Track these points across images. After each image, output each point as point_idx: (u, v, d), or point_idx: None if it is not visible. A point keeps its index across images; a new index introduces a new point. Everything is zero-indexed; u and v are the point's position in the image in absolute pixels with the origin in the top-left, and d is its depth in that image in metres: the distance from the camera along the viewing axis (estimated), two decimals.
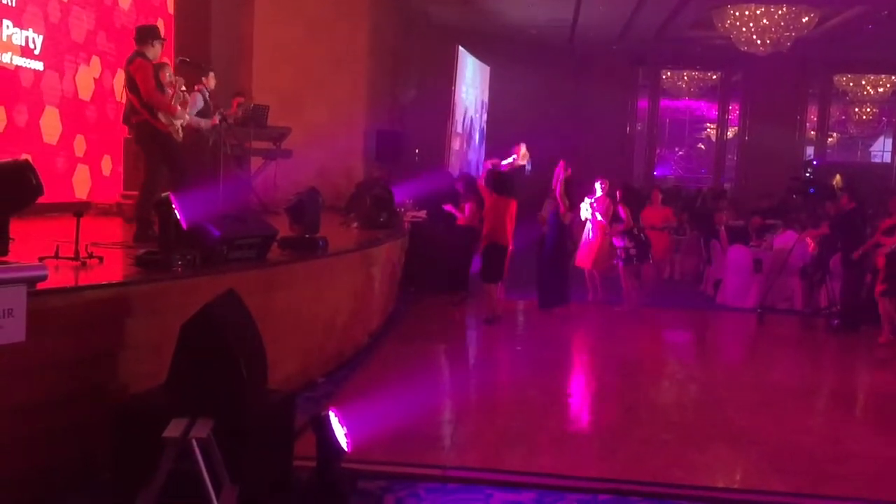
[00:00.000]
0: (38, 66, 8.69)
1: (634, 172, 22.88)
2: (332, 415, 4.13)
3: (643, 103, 23.14)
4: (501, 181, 9.21)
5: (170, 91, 7.01)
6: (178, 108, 6.98)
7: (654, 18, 17.80)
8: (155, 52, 6.97)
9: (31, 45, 8.50)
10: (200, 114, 9.02)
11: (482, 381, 6.96)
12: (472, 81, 18.26)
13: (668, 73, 23.05)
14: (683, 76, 23.09)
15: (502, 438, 5.32)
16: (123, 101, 7.27)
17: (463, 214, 10.16)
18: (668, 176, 25.85)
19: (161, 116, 6.77)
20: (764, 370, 7.84)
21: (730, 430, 5.69)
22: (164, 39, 7.20)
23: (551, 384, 7.07)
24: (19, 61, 8.31)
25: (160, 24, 11.19)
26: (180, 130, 7.02)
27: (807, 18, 15.64)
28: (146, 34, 7.02)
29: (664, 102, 23.93)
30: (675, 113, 25.73)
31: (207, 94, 9.22)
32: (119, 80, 9.55)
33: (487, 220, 9.15)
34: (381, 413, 5.14)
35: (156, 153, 6.90)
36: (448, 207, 10.49)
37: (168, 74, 7.22)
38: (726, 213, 13.74)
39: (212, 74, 9.26)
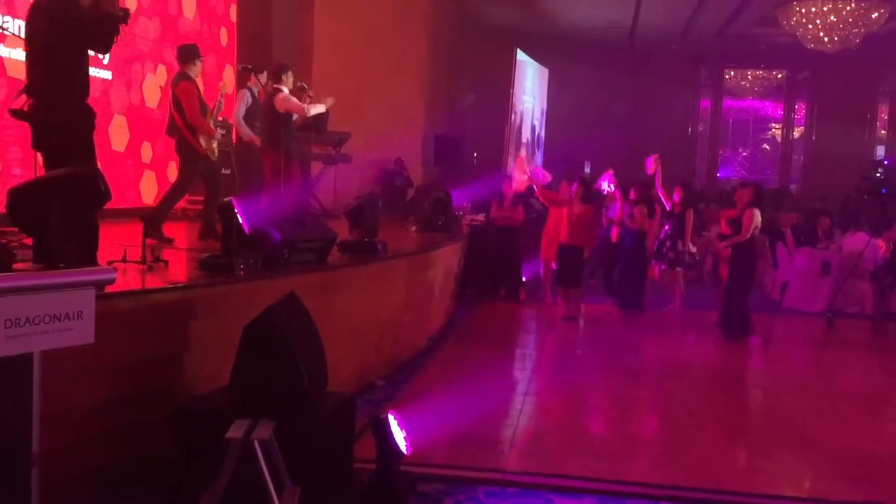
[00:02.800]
0: (107, 75, 8.94)
1: (697, 173, 22.49)
2: (391, 417, 4.15)
3: (705, 103, 22.72)
4: (589, 191, 9.55)
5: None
6: (216, 132, 7.37)
7: (715, 17, 17.47)
8: (196, 70, 7.32)
9: (100, 56, 8.73)
10: (249, 113, 9.02)
11: (542, 384, 6.90)
12: (531, 89, 18.17)
13: (732, 73, 22.59)
14: (747, 75, 22.60)
15: (562, 443, 5.27)
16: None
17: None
18: (732, 177, 25.32)
19: (202, 140, 7.07)
20: (832, 376, 7.62)
21: (796, 437, 5.53)
22: (202, 57, 7.55)
23: (612, 388, 6.99)
24: (90, 72, 8.54)
25: (223, 32, 11.46)
26: (216, 150, 7.33)
27: (876, 14, 15.15)
28: (188, 54, 7.32)
29: (727, 102, 23.46)
30: (738, 113, 25.18)
31: (256, 91, 9.21)
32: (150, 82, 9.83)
33: (571, 226, 9.40)
34: (440, 416, 5.14)
35: (191, 170, 7.24)
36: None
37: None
38: (792, 214, 13.38)
39: (289, 73, 9.26)
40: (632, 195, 10.03)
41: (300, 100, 8.59)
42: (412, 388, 6.37)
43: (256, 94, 9.03)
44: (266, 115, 8.25)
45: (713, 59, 21.83)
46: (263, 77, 9.38)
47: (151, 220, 6.69)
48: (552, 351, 8.42)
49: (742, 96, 23.58)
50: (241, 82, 9.05)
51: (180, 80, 7.17)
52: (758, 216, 8.72)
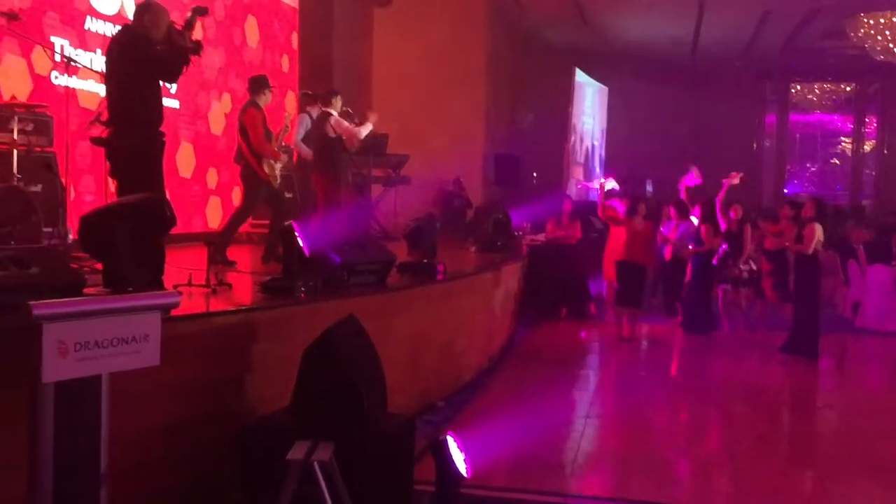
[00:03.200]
0: (175, 104, 9.21)
1: (764, 190, 22.02)
2: (450, 439, 4.13)
3: (771, 118, 22.26)
4: (647, 208, 9.38)
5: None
6: (281, 155, 7.49)
7: (780, 31, 17.15)
8: (265, 99, 7.52)
9: (167, 85, 9.02)
10: (307, 136, 9.15)
11: (604, 406, 6.81)
12: (590, 109, 18.10)
13: (798, 87, 22.11)
14: (814, 89, 22.09)
15: (625, 465, 5.18)
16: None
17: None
18: (801, 193, 24.71)
19: (265, 166, 7.22)
20: None
21: (870, 460, 5.33)
22: (272, 87, 7.75)
23: (676, 410, 6.86)
24: None
25: (285, 59, 11.71)
26: (278, 177, 7.46)
27: None
28: (258, 84, 7.55)
29: (794, 116, 22.94)
30: (805, 127, 24.58)
31: (315, 115, 9.32)
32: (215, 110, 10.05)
33: (631, 243, 9.26)
34: (501, 437, 5.11)
35: (254, 195, 7.42)
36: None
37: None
38: (865, 230, 12.96)
39: (338, 97, 9.40)
40: (697, 213, 9.82)
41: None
42: (472, 409, 6.35)
43: (315, 118, 9.15)
44: (318, 139, 8.32)
45: (778, 73, 21.41)
46: (338, 102, 9.49)
47: (216, 244, 6.86)
48: (614, 372, 8.31)
49: (809, 110, 23.03)
50: (303, 108, 9.21)
51: (248, 108, 7.41)
52: (819, 231, 8.47)
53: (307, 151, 8.93)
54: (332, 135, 8.13)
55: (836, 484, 4.90)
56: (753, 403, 6.96)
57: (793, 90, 22.10)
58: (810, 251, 8.42)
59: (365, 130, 8.38)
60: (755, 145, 21.79)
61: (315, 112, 9.03)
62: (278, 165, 7.42)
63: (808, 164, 25.42)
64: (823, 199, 10.05)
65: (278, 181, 7.46)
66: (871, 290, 10.99)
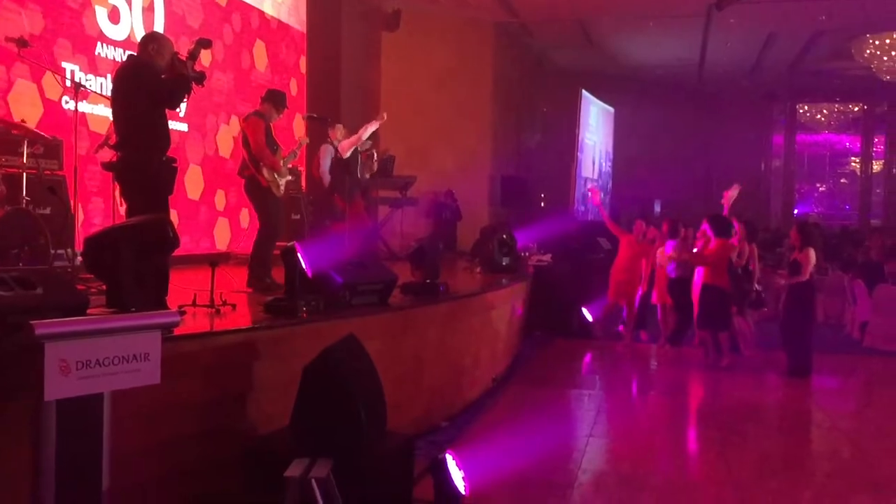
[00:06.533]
0: (183, 127, 9.35)
1: (772, 210, 22.03)
2: (449, 458, 4.17)
3: (778, 139, 22.31)
4: (723, 224, 8.99)
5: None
6: (283, 167, 7.26)
7: (786, 52, 17.24)
8: (273, 115, 7.31)
9: (177, 109, 9.16)
10: (334, 165, 9.28)
11: (608, 427, 6.81)
12: (595, 128, 18.19)
13: (805, 107, 22.17)
14: (822, 109, 22.14)
15: (628, 487, 5.18)
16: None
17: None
18: (810, 213, 24.69)
19: (265, 172, 7.06)
20: None
21: (874, 482, 5.32)
22: (285, 107, 7.52)
23: (680, 431, 6.85)
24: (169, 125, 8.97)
25: (293, 83, 11.84)
26: (282, 187, 7.28)
27: None
28: (270, 97, 7.39)
29: (802, 137, 22.99)
30: (813, 147, 24.62)
31: (337, 145, 9.54)
32: (223, 133, 10.18)
33: (708, 263, 8.92)
34: (503, 457, 5.14)
35: (263, 207, 7.20)
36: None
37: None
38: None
39: (339, 127, 9.58)
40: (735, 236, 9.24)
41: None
42: (476, 429, 6.37)
43: (337, 148, 9.25)
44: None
45: (785, 94, 21.49)
46: (340, 131, 9.60)
47: (254, 274, 6.90)
48: (618, 392, 8.30)
49: (817, 131, 23.08)
50: (310, 131, 9.31)
51: (251, 117, 7.29)
52: (812, 256, 8.49)
53: (329, 180, 9.08)
54: (343, 156, 8.32)
55: None
56: (758, 424, 6.95)
57: (800, 110, 22.17)
58: (806, 278, 8.45)
59: (368, 131, 8.45)
60: (763, 165, 21.83)
61: (337, 142, 9.20)
62: (282, 180, 7.29)
63: (816, 185, 25.44)
64: (811, 223, 10.01)
65: (281, 191, 7.31)
66: (879, 310, 10.95)
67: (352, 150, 9.19)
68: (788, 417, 7.45)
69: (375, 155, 10.18)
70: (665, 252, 9.68)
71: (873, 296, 11.09)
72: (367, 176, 9.94)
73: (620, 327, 10.73)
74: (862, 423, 7.17)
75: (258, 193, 7.15)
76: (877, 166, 22.54)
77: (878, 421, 7.20)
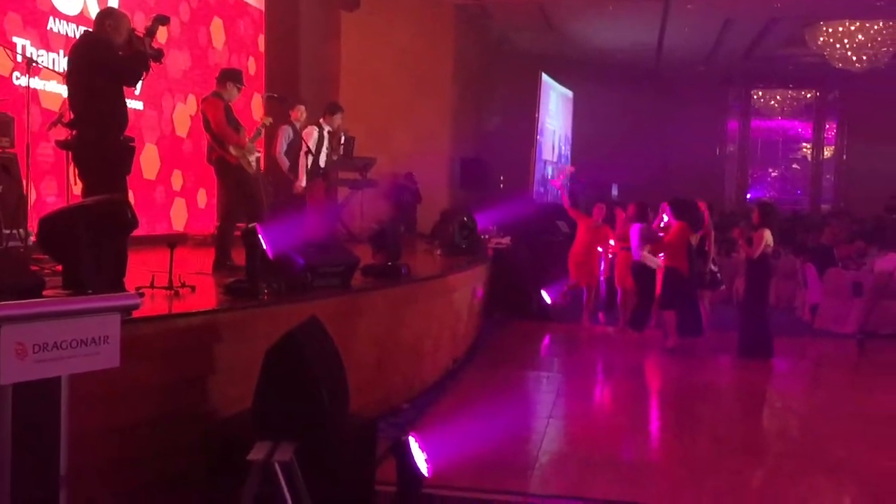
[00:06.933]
0: (138, 105, 9.15)
1: (726, 195, 22.36)
2: (412, 440, 4.17)
3: (733, 124, 22.64)
4: (683, 207, 9.09)
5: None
6: (248, 143, 7.06)
7: (742, 38, 17.46)
8: (230, 94, 7.12)
9: (130, 87, 8.94)
10: (291, 147, 9.16)
11: (567, 409, 6.88)
12: (555, 112, 18.26)
13: (760, 93, 22.50)
14: (776, 95, 22.50)
15: (587, 466, 5.25)
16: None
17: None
18: (762, 198, 25.13)
19: (232, 150, 6.90)
20: (864, 398, 7.49)
21: (826, 461, 5.46)
22: (243, 84, 7.33)
23: (638, 412, 6.96)
24: None
25: (251, 62, 11.66)
26: (254, 162, 7.12)
27: None
28: (224, 76, 7.24)
29: (756, 122, 23.35)
30: (767, 133, 25.01)
31: (298, 127, 9.41)
32: (180, 112, 9.99)
33: (669, 246, 9.00)
34: (464, 439, 5.15)
35: (230, 186, 7.07)
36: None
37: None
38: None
39: (301, 108, 9.44)
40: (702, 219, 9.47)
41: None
42: (436, 411, 6.39)
43: (298, 130, 9.08)
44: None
45: (740, 79, 21.78)
46: (302, 112, 9.44)
47: (217, 256, 6.79)
48: (577, 374, 8.39)
49: (771, 116, 23.45)
50: (269, 111, 9.16)
51: (209, 98, 7.14)
52: (768, 236, 8.67)
53: (287, 164, 8.93)
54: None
55: (791, 484, 5.01)
56: (711, 404, 7.09)
57: (755, 96, 22.49)
58: (756, 255, 8.62)
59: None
60: (718, 150, 22.13)
61: (298, 124, 9.08)
62: (252, 157, 7.11)
63: (769, 170, 25.86)
64: (772, 204, 10.19)
65: (253, 168, 7.13)
66: (829, 293, 11.22)
67: (316, 133, 9.13)
68: (742, 398, 7.60)
69: (343, 137, 10.09)
70: (631, 235, 9.68)
71: (824, 279, 11.35)
72: (335, 158, 9.86)
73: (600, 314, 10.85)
74: (813, 403, 7.36)
75: (229, 173, 6.99)
76: (828, 152, 22.99)
77: (829, 402, 7.40)
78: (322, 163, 9.42)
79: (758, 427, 6.63)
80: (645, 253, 9.38)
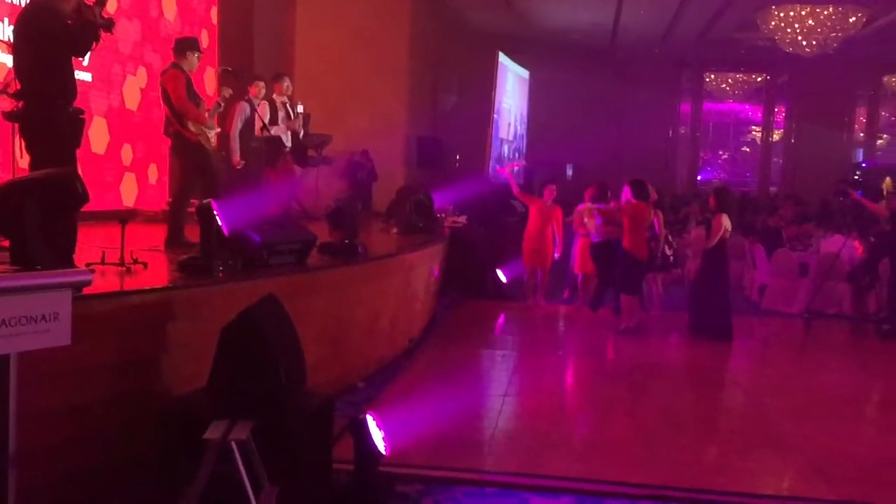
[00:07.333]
0: (87, 77, 8.90)
1: (678, 176, 22.66)
2: (369, 418, 4.17)
3: (686, 106, 22.91)
4: (643, 188, 9.02)
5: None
6: (208, 119, 6.92)
7: (696, 21, 17.62)
8: (190, 63, 6.97)
9: (79, 58, 8.70)
10: (247, 124, 9.06)
11: (522, 386, 6.93)
12: (511, 92, 18.25)
13: (712, 76, 22.78)
14: (727, 79, 22.80)
15: (541, 444, 5.30)
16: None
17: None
18: (713, 179, 25.55)
19: (191, 125, 6.76)
20: (810, 376, 7.69)
21: (774, 437, 5.60)
22: (201, 52, 7.19)
23: (592, 389, 7.05)
24: None
25: (204, 34, 11.42)
26: (212, 138, 7.00)
27: (854, 18, 15.34)
28: (183, 46, 7.07)
29: (708, 105, 23.66)
30: (719, 116, 25.40)
31: (257, 105, 9.27)
32: (130, 84, 9.75)
33: (629, 219, 8.96)
34: (420, 417, 5.16)
35: (188, 162, 6.92)
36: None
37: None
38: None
39: (260, 84, 9.34)
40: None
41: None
42: (392, 390, 6.39)
43: (255, 107, 8.92)
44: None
45: (694, 62, 22.02)
46: (261, 88, 9.30)
47: (174, 226, 6.65)
48: (532, 352, 8.45)
49: (723, 99, 23.78)
50: (223, 84, 8.98)
51: (169, 69, 6.95)
52: (726, 221, 8.80)
53: (236, 147, 8.81)
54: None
55: (740, 459, 5.12)
56: (665, 382, 7.20)
57: (707, 79, 22.76)
58: (714, 243, 8.75)
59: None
60: (671, 132, 22.38)
61: (257, 101, 8.98)
62: (211, 132, 6.97)
63: (720, 152, 26.28)
64: (728, 188, 10.34)
65: (213, 144, 6.99)
66: (776, 274, 11.46)
67: (269, 108, 9.06)
68: (694, 376, 7.74)
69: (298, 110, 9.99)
70: (592, 218, 9.71)
71: (772, 260, 11.60)
72: (300, 132, 9.81)
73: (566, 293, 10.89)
74: (762, 381, 7.52)
75: (187, 149, 6.82)
76: (777, 136, 23.42)
77: (777, 379, 7.56)
78: (287, 141, 9.35)
79: (708, 404, 6.76)
80: (587, 208, 9.48)
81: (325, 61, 13.79)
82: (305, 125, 11.17)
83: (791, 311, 10.87)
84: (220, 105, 7.24)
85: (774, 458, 5.23)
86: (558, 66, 19.57)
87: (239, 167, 8.75)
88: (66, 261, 4.15)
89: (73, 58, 5.09)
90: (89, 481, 3.90)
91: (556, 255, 10.50)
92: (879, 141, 23.98)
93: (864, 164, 21.57)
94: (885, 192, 12.43)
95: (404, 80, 15.03)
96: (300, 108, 9.93)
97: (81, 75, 8.75)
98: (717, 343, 8.73)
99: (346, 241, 6.72)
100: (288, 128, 9.38)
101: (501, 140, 17.49)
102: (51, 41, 4.85)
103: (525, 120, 19.92)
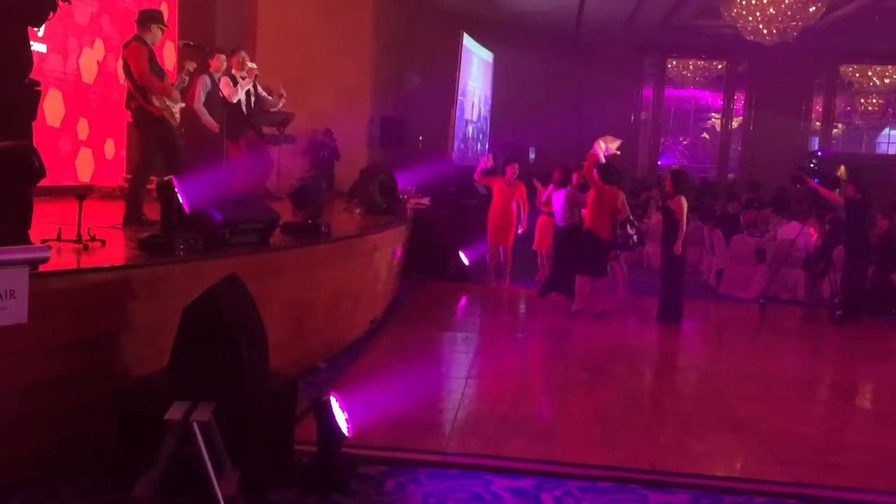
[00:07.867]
0: (42, 48, 8.67)
1: (639, 161, 22.83)
2: (332, 400, 4.15)
3: (648, 92, 23.06)
4: (608, 170, 9.05)
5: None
6: (174, 90, 6.83)
7: (660, 6, 17.71)
8: (154, 36, 6.87)
9: (35, 28, 8.46)
10: (210, 98, 8.94)
11: (484, 369, 6.96)
12: (476, 73, 18.19)
13: (674, 62, 22.96)
14: (689, 65, 22.99)
15: (503, 425, 5.33)
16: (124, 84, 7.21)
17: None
18: (673, 165, 25.83)
19: (154, 100, 6.64)
20: (765, 360, 7.84)
21: (730, 420, 5.70)
22: (165, 25, 7.08)
23: (553, 371, 7.10)
24: None
25: (164, 7, 11.18)
26: (177, 114, 6.90)
27: (814, 8, 15.51)
28: (146, 18, 6.95)
29: (669, 91, 23.85)
30: (680, 102, 25.64)
31: (217, 78, 9.16)
32: (87, 57, 9.57)
33: (590, 210, 9.00)
34: (382, 398, 5.16)
35: (150, 138, 6.81)
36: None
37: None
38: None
39: (221, 57, 9.24)
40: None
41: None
42: (355, 371, 6.37)
43: (217, 81, 8.93)
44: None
45: (656, 48, 22.15)
46: (222, 61, 9.21)
47: (133, 203, 6.52)
48: (495, 335, 8.49)
49: (683, 86, 23.99)
50: (187, 58, 8.82)
51: (132, 42, 6.81)
52: (684, 203, 8.91)
53: (208, 118, 8.72)
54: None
55: (696, 440, 5.21)
56: (624, 365, 7.28)
57: (669, 65, 22.92)
58: (685, 224, 8.85)
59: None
60: (633, 117, 22.52)
61: (218, 75, 8.90)
62: (176, 107, 6.85)
63: (680, 138, 26.55)
64: (685, 171, 10.42)
65: (177, 119, 6.89)
66: (733, 259, 11.65)
67: (244, 91, 9.03)
68: (652, 359, 7.86)
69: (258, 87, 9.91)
70: (555, 201, 9.73)
71: (729, 245, 11.77)
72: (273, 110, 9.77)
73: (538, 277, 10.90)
74: (718, 364, 7.64)
75: (150, 124, 6.70)
76: (736, 123, 23.71)
77: (733, 363, 7.70)
78: (244, 108, 9.29)
79: (666, 387, 6.85)
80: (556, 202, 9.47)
81: (287, 38, 13.61)
82: (267, 103, 11.00)
83: (747, 297, 11.06)
84: (184, 80, 7.12)
85: (730, 439, 5.33)
86: (522, 48, 19.53)
87: (217, 131, 8.67)
88: (21, 237, 4.05)
89: (29, 28, 4.94)
90: (46, 460, 3.84)
91: (521, 230, 10.53)
92: (835, 130, 24.43)
93: (819, 153, 21.94)
94: (840, 181, 12.65)
95: (368, 58, 14.90)
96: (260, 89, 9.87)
97: (36, 46, 8.52)
98: (675, 327, 8.86)
99: (310, 221, 6.66)
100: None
101: (466, 121, 17.44)
102: (5, 10, 4.70)
103: (489, 102, 19.89)
